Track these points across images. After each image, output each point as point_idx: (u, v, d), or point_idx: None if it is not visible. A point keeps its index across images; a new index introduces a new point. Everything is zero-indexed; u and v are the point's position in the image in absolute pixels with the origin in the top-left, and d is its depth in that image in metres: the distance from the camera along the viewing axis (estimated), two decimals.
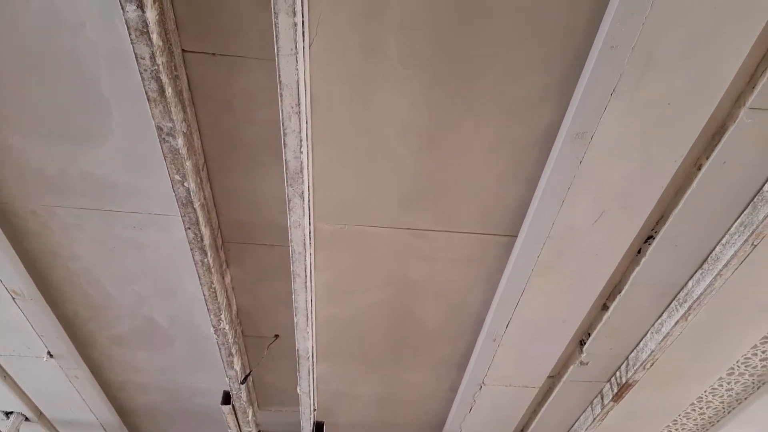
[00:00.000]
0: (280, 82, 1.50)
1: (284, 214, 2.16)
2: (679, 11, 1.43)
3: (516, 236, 2.22)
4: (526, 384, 3.03)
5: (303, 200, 1.83)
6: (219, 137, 1.90)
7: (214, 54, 1.68)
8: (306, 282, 2.15)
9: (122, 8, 1.35)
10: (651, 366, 2.76)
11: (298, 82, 1.50)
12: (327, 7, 1.54)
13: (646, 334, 2.69)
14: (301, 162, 1.71)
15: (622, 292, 2.41)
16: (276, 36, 1.40)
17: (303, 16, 1.44)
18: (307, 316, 2.31)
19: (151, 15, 1.38)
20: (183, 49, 1.66)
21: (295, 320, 2.33)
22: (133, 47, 1.43)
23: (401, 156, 1.95)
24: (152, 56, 1.44)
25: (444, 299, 2.60)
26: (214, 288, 2.18)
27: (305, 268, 2.07)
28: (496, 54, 1.65)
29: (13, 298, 2.46)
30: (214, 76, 1.73)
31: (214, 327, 2.41)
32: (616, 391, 2.99)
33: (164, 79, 1.50)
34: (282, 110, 1.58)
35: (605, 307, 2.56)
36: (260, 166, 2.00)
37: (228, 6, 1.56)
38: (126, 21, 1.37)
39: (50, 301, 2.59)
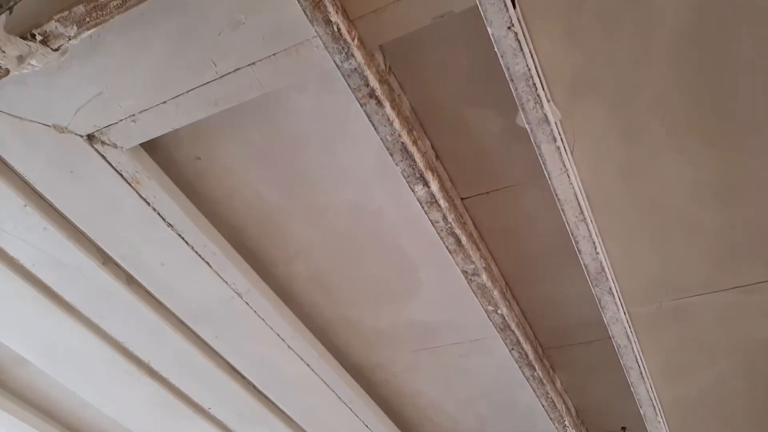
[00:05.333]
0: (558, 199, 1.59)
1: (593, 309, 2.15)
2: None
3: None
4: None
5: (613, 296, 1.82)
6: (513, 259, 2.03)
7: (487, 192, 1.85)
8: (641, 371, 2.07)
9: (412, 190, 1.60)
10: None
11: (575, 194, 1.57)
12: (579, 119, 1.60)
13: None
14: (600, 262, 1.73)
15: None
16: (543, 163, 1.51)
17: (561, 135, 1.53)
18: (653, 405, 2.19)
19: (435, 186, 1.60)
20: (462, 198, 1.86)
21: (642, 412, 2.22)
22: (427, 216, 1.67)
23: (697, 219, 1.83)
24: (444, 218, 1.65)
25: None
26: (551, 397, 2.22)
27: (636, 359, 2.01)
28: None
29: None
30: (492, 210, 1.90)
31: None
32: None
33: (457, 231, 1.71)
34: (567, 222, 1.65)
35: None
36: (556, 272, 2.06)
37: (486, 148, 1.74)
38: (417, 198, 1.62)
39: None
